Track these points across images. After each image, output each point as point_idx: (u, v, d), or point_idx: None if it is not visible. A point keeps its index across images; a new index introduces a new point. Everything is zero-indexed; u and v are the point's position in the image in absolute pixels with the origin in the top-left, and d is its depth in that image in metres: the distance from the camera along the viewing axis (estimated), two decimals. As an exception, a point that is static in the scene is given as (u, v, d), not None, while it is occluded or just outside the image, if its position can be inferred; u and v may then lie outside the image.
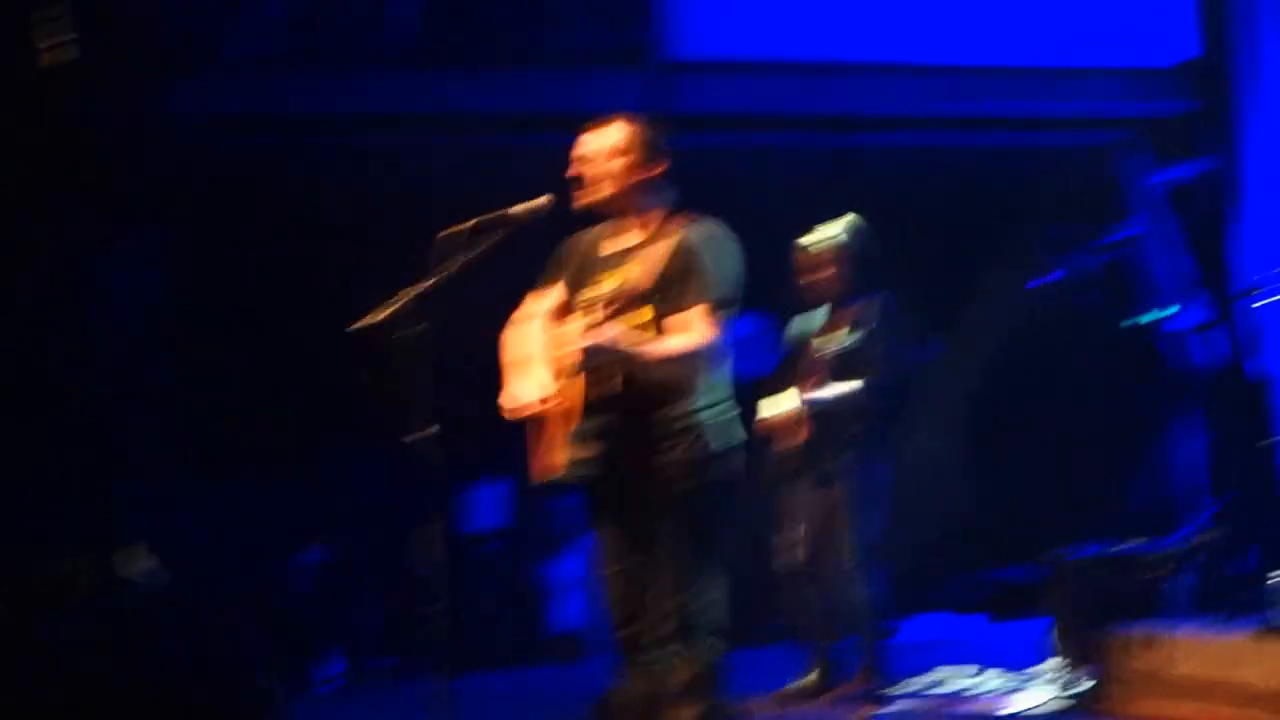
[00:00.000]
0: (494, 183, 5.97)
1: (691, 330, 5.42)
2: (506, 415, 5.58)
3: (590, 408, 5.48)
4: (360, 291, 5.75)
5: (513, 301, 5.89)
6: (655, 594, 5.51)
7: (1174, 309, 10.32)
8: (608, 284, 5.59)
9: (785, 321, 8.61)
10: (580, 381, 5.48)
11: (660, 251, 5.52)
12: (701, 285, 5.43)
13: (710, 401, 5.51)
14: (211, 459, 10.28)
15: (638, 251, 5.59)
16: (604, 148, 5.58)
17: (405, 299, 5.27)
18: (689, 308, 5.43)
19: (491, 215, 5.41)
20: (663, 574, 5.50)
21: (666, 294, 5.46)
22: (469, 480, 10.77)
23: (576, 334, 5.44)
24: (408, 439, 5.24)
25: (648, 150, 5.58)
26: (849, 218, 8.22)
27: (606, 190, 5.57)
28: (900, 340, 8.13)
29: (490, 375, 5.81)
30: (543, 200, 5.48)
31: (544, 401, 5.51)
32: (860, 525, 8.03)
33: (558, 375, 5.55)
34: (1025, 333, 11.62)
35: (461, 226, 5.34)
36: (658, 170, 5.59)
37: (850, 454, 8.07)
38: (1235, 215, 10.03)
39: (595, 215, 5.71)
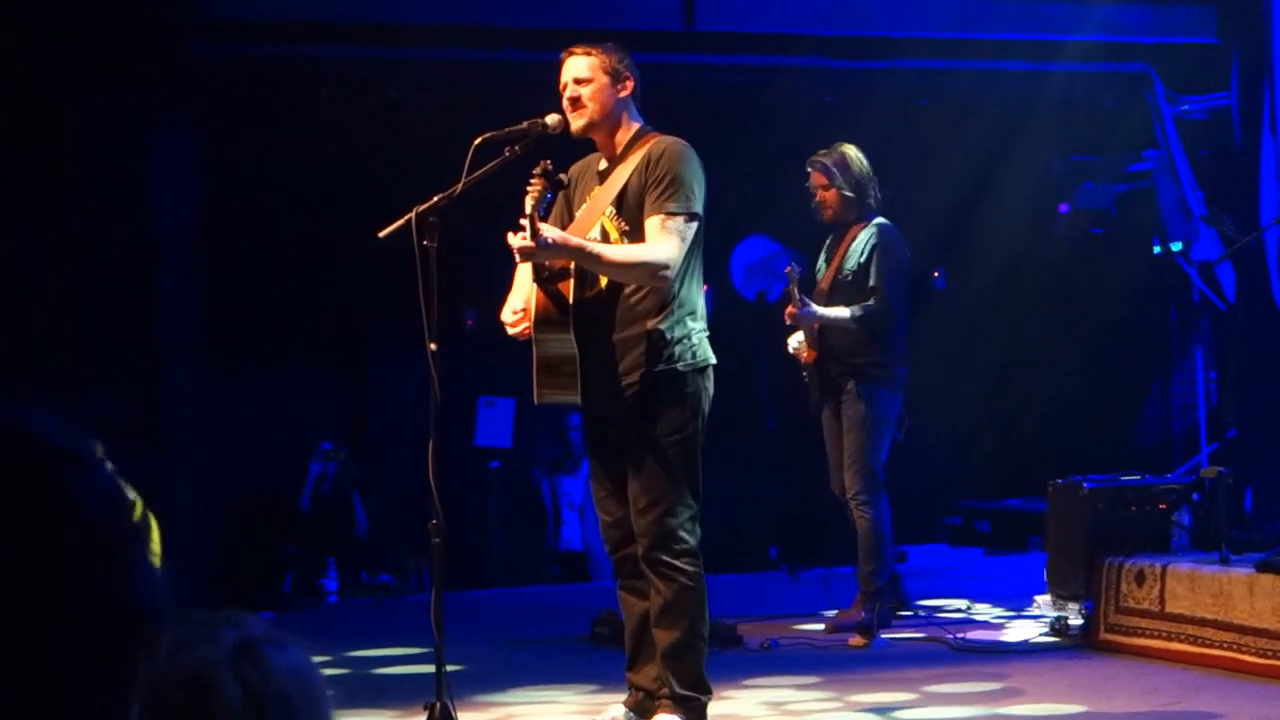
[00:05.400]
0: (523, 96, 6.05)
1: (648, 239, 5.51)
2: (509, 331, 5.67)
3: (552, 321, 5.53)
4: (390, 198, 5.81)
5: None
6: (635, 515, 5.56)
7: (1186, 243, 10.23)
8: (585, 204, 5.68)
9: (797, 245, 8.61)
10: (538, 290, 5.56)
11: (624, 169, 5.62)
12: (659, 197, 5.52)
13: (678, 319, 5.57)
14: (235, 357, 10.40)
15: (610, 170, 5.69)
16: (572, 77, 5.68)
17: (434, 204, 5.38)
18: (648, 219, 5.52)
19: (520, 126, 5.54)
20: (638, 494, 5.55)
21: (628, 208, 5.57)
22: (478, 396, 10.81)
23: (518, 239, 5.46)
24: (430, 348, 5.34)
25: (610, 76, 5.66)
26: (842, 145, 8.18)
27: (582, 118, 5.66)
28: (898, 268, 8.10)
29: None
30: (554, 118, 5.62)
31: (515, 313, 5.60)
32: (862, 452, 8.03)
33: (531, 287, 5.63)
34: (1036, 263, 11.58)
35: (496, 133, 5.48)
36: (622, 93, 5.68)
37: (853, 382, 8.06)
38: (1263, 146, 9.88)
39: (588, 139, 5.81)
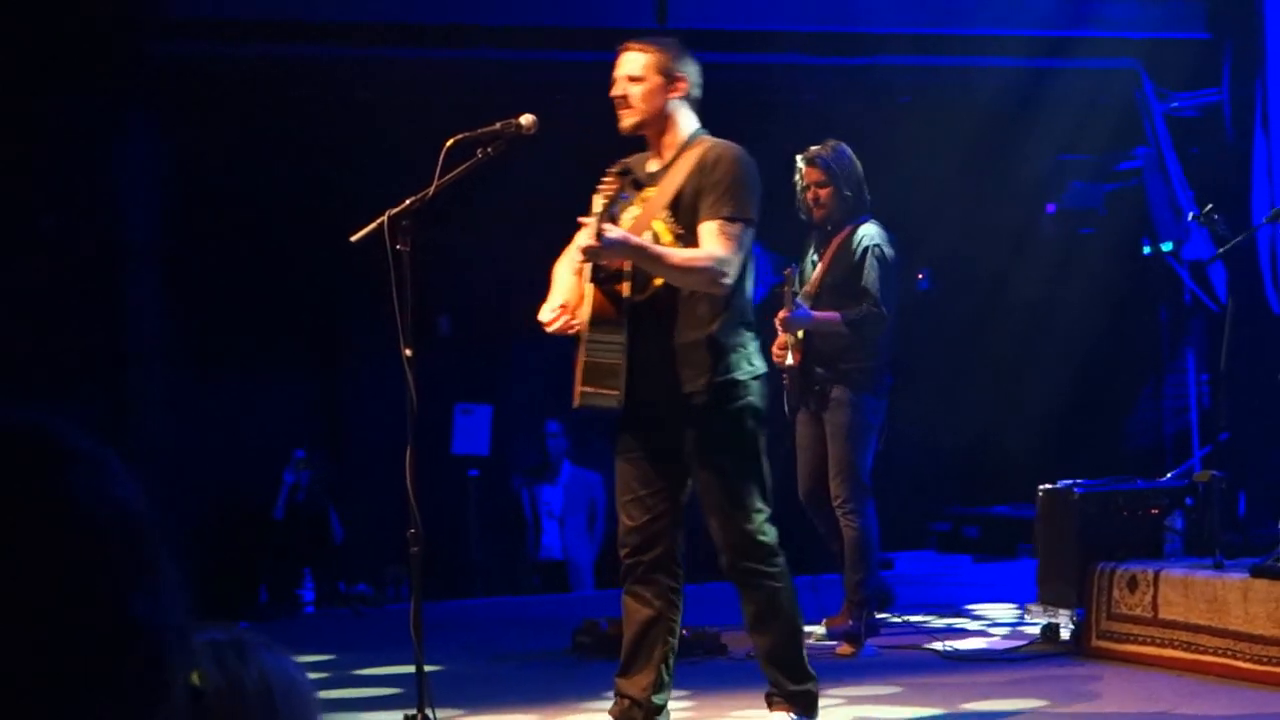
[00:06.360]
0: (497, 95, 5.93)
1: (704, 244, 5.43)
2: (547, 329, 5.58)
3: (607, 321, 5.46)
4: (361, 201, 5.71)
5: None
6: (715, 526, 5.51)
7: (1177, 242, 10.14)
8: (636, 206, 5.60)
9: (781, 247, 8.46)
10: (593, 290, 5.48)
11: (678, 172, 5.55)
12: (715, 202, 5.45)
13: (733, 328, 5.52)
14: (205, 363, 10.29)
15: (662, 173, 5.61)
16: (625, 74, 5.60)
17: (406, 207, 5.29)
18: (703, 224, 5.45)
19: (493, 126, 5.42)
20: (714, 506, 5.50)
21: (683, 213, 5.50)
22: (457, 404, 10.68)
23: (586, 234, 5.41)
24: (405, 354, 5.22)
25: (664, 75, 5.59)
26: (838, 142, 8.01)
27: (632, 116, 5.59)
28: (890, 272, 7.94)
29: (496, 298, 5.77)
30: (528, 119, 5.47)
31: (558, 309, 5.51)
32: (849, 460, 7.89)
33: (580, 285, 5.55)
34: (1023, 264, 11.49)
35: (469, 134, 5.38)
36: (674, 94, 5.60)
37: (840, 387, 7.91)
38: (1254, 143, 9.79)
39: (636, 137, 5.73)
